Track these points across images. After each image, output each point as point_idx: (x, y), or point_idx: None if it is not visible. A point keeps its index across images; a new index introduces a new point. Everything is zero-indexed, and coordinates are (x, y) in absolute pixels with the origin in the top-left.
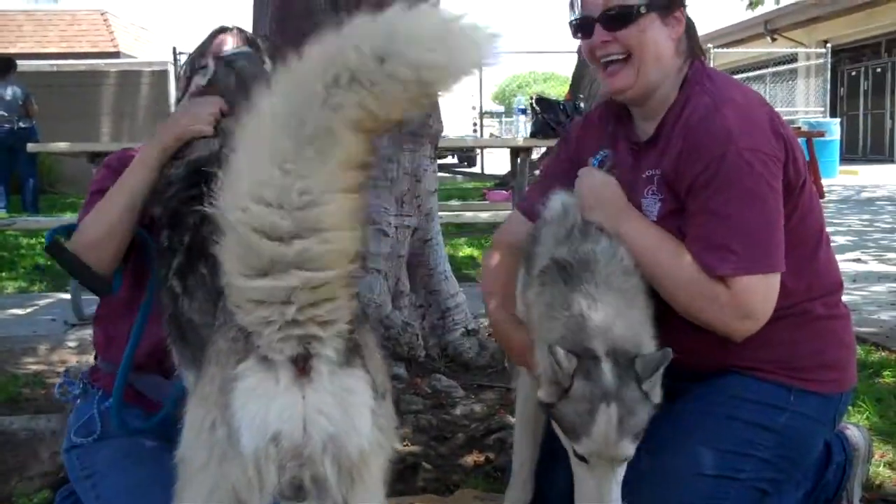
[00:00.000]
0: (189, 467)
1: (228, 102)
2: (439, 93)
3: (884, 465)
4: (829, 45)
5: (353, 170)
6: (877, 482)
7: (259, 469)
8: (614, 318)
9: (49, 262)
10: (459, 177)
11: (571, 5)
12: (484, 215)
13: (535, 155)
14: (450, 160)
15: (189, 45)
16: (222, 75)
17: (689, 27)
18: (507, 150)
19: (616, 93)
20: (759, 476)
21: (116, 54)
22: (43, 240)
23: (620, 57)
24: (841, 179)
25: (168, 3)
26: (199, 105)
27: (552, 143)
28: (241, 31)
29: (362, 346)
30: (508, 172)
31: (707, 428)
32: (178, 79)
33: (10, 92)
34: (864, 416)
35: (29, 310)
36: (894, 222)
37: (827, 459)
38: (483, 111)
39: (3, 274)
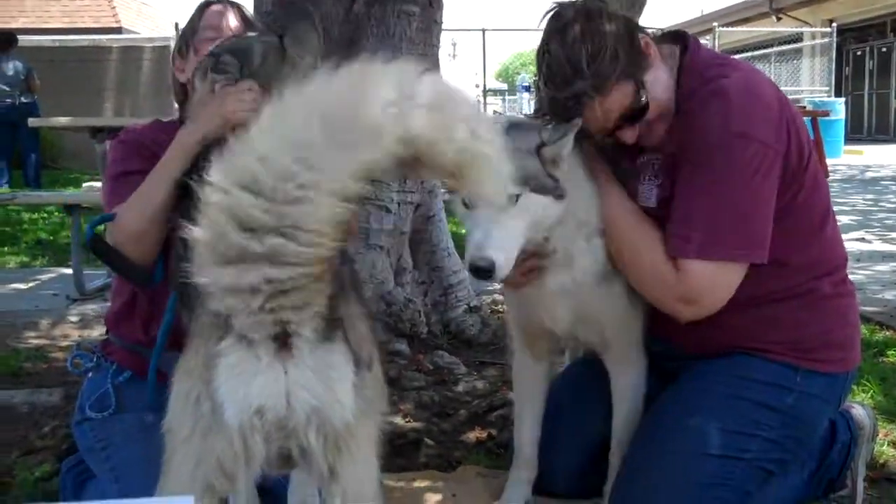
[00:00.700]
0: (175, 438)
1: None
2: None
3: (888, 444)
4: (834, 24)
5: (363, 181)
6: (881, 461)
7: (245, 441)
8: None
9: (51, 237)
10: None
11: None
12: None
13: None
14: None
15: None
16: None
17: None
18: None
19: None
20: (765, 456)
21: (119, 30)
22: (45, 214)
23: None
24: (845, 159)
25: None
26: (240, 91)
27: None
28: (232, 4)
29: (344, 319)
30: None
31: (713, 407)
32: (174, 58)
33: (11, 67)
34: (869, 394)
35: (31, 284)
36: None
37: (832, 439)
38: (486, 89)
39: (5, 249)
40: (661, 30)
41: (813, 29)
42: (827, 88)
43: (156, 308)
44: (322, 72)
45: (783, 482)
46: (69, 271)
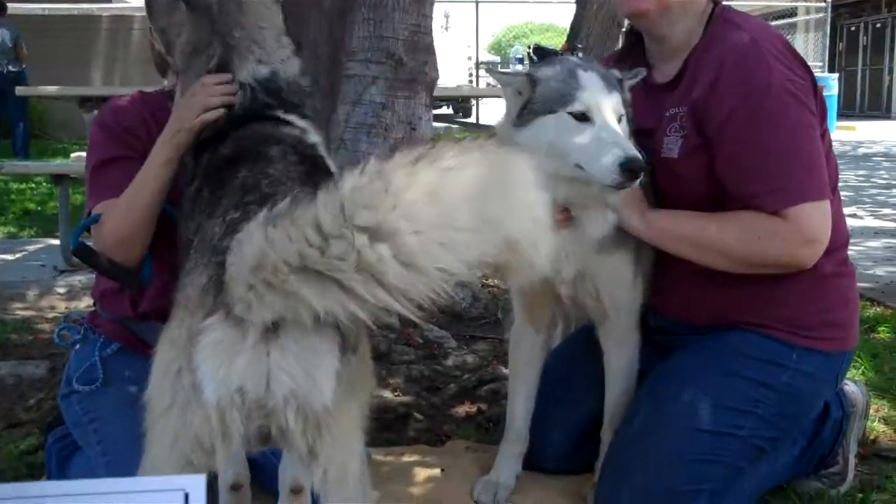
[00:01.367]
0: (153, 410)
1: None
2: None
3: (878, 421)
4: None
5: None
6: (871, 437)
7: (223, 418)
8: None
9: (39, 208)
10: (455, 127)
11: None
12: None
13: None
14: (445, 111)
15: None
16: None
17: None
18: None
19: (634, 15)
20: (759, 434)
21: None
22: (32, 185)
23: None
24: (838, 135)
25: None
26: (210, 84)
27: None
28: None
29: None
30: None
31: (709, 383)
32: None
33: None
34: (860, 371)
35: (18, 255)
36: (891, 178)
37: (824, 415)
38: (479, 62)
39: None
40: None
41: (807, 3)
42: (821, 64)
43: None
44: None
45: (775, 459)
46: (56, 242)
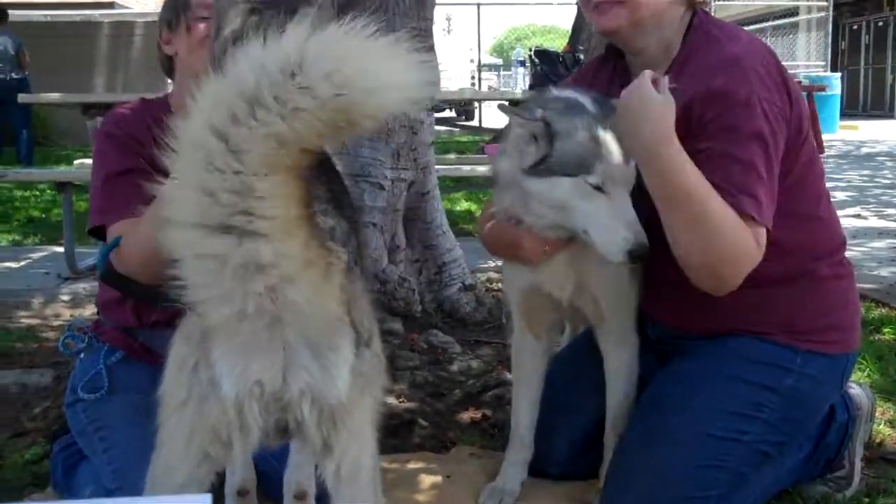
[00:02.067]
0: (170, 404)
1: None
2: (360, 122)
3: (884, 423)
4: None
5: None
6: (877, 440)
7: (241, 411)
8: None
9: (43, 215)
10: (457, 130)
11: None
12: (482, 169)
13: None
14: (448, 113)
15: None
16: None
17: None
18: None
19: (606, 33)
20: (764, 438)
21: (111, 4)
22: (36, 192)
23: None
24: (841, 135)
25: None
26: None
27: None
28: None
29: (348, 295)
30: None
31: (713, 388)
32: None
33: (1, 43)
34: (865, 373)
35: (22, 263)
36: (894, 178)
37: (829, 419)
38: (481, 64)
39: None
40: None
41: (809, 3)
42: (823, 63)
43: None
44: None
45: (780, 464)
46: (61, 249)
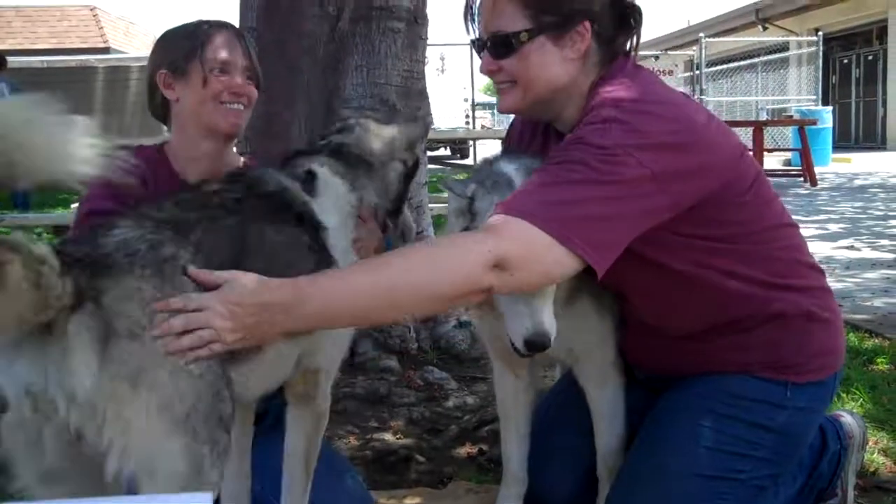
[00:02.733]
0: None
1: None
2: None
3: (878, 452)
4: (820, 33)
5: None
6: (871, 469)
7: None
8: None
9: None
10: (451, 169)
11: (466, 25)
12: None
13: None
14: (442, 152)
15: None
16: None
17: (625, 20)
18: (500, 142)
19: (510, 112)
20: (759, 474)
21: (106, 49)
22: (34, 236)
23: (508, 80)
24: (834, 167)
25: None
26: None
27: None
28: (234, 32)
29: (89, 292)
30: None
31: (706, 427)
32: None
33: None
34: (858, 402)
35: None
36: (887, 209)
37: (822, 448)
38: (475, 103)
39: None
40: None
41: (799, 38)
42: (814, 97)
43: None
44: None
45: (774, 496)
46: None
